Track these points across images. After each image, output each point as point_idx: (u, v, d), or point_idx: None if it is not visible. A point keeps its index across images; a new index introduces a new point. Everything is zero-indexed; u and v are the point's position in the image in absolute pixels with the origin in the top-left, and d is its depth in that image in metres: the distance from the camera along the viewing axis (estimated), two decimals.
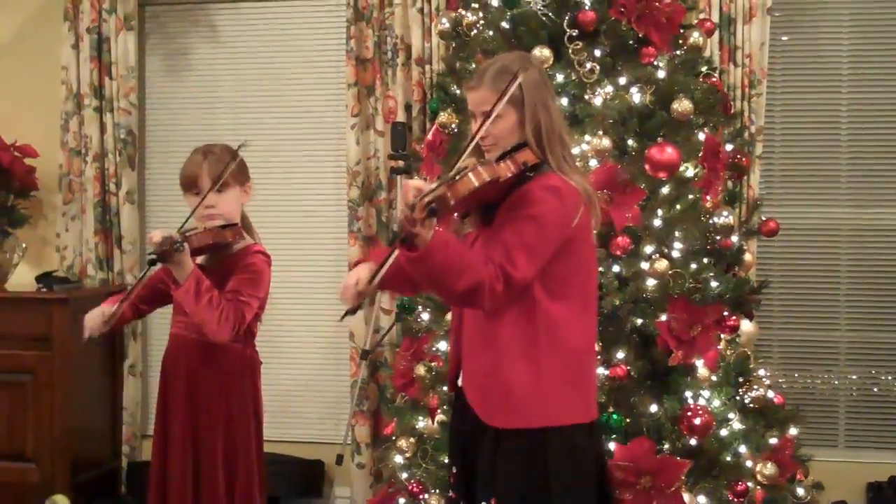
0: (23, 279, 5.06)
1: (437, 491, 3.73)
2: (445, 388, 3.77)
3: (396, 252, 2.43)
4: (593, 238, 2.65)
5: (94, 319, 3.22)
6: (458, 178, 2.36)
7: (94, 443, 4.97)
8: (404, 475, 3.88)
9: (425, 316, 3.99)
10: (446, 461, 3.72)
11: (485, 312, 2.50)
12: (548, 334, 2.50)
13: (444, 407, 3.77)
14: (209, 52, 5.19)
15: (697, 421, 3.41)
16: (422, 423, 3.86)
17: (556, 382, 2.51)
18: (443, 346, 3.83)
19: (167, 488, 3.25)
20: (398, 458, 3.92)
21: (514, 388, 2.50)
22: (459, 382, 2.70)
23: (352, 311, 2.64)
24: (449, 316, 3.80)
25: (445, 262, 2.33)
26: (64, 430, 4.62)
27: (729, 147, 3.95)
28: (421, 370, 3.83)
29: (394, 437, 3.99)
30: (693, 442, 3.47)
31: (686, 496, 3.36)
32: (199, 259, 3.21)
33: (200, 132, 5.02)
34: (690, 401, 3.51)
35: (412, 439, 3.87)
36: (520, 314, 2.50)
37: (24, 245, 5.02)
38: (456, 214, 2.61)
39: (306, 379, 5.09)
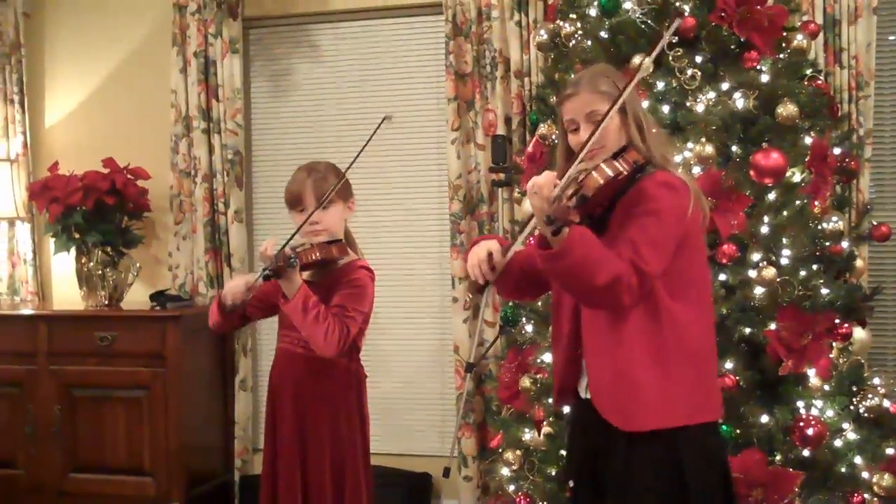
0: (137, 297, 5.21)
1: (545, 503, 3.71)
2: (551, 400, 3.76)
3: (526, 232, 2.46)
4: (703, 235, 2.63)
5: (238, 286, 3.25)
6: (583, 176, 2.38)
7: (208, 456, 5.09)
8: (511, 488, 3.87)
9: (529, 328, 3.99)
10: (553, 473, 3.73)
11: (616, 314, 2.48)
12: (673, 333, 2.48)
13: (551, 419, 3.76)
14: (311, 71, 5.28)
15: (810, 431, 3.35)
16: (528, 435, 3.85)
17: (685, 381, 2.49)
18: (547, 357, 3.81)
19: (277, 502, 3.31)
20: (505, 471, 3.91)
21: (646, 390, 2.48)
22: (582, 394, 2.68)
23: (480, 289, 2.61)
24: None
25: (585, 255, 2.34)
26: (178, 445, 4.72)
27: (837, 151, 3.86)
28: (526, 382, 3.83)
29: (500, 450, 3.99)
30: (806, 453, 3.40)
31: None
32: (305, 274, 3.26)
33: (305, 150, 5.12)
34: (802, 411, 3.45)
35: (519, 452, 3.87)
36: (644, 314, 2.48)
37: (138, 265, 5.16)
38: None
39: (412, 392, 5.12)
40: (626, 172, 2.47)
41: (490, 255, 2.59)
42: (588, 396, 2.63)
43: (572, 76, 3.88)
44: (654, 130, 2.63)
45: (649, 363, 2.48)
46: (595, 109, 2.56)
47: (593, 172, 2.40)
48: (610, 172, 2.41)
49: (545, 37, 4.15)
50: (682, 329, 2.50)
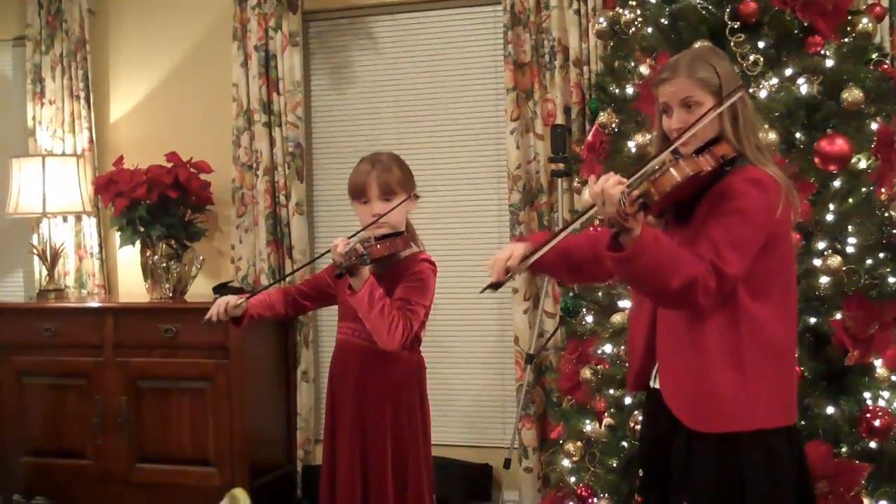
0: (201, 290, 5.27)
1: (606, 495, 3.69)
2: (612, 391, 3.75)
3: (561, 236, 2.43)
4: (792, 232, 2.58)
5: (220, 305, 3.36)
6: (659, 173, 2.33)
7: (271, 447, 5.14)
8: (572, 479, 3.85)
9: (589, 318, 3.96)
10: (615, 465, 3.71)
11: (694, 313, 2.44)
12: (752, 336, 2.44)
13: (612, 410, 3.74)
14: (370, 63, 5.29)
15: (877, 422, 3.28)
16: (589, 426, 3.83)
17: (761, 385, 2.45)
18: (608, 348, 3.79)
19: (336, 492, 3.33)
20: (566, 462, 3.89)
21: (721, 394, 2.44)
22: (652, 384, 2.65)
23: (494, 286, 2.58)
24: (615, 318, 3.77)
25: (657, 259, 2.30)
26: (242, 436, 4.77)
27: None
28: (587, 373, 3.81)
29: (561, 441, 3.97)
30: (873, 445, 3.33)
31: (866, 501, 3.23)
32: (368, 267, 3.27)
33: (365, 142, 5.13)
34: (869, 402, 3.38)
35: (579, 443, 3.84)
36: (723, 315, 2.44)
37: (201, 257, 5.22)
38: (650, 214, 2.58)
39: (472, 383, 5.12)
40: (709, 169, 2.41)
41: (509, 257, 2.60)
42: (657, 386, 2.61)
43: (636, 63, 3.86)
44: (752, 120, 2.55)
45: (726, 365, 2.44)
46: (690, 96, 2.48)
47: (671, 169, 2.33)
48: (689, 171, 2.35)
49: (604, 24, 4.11)
50: (761, 329, 2.45)
